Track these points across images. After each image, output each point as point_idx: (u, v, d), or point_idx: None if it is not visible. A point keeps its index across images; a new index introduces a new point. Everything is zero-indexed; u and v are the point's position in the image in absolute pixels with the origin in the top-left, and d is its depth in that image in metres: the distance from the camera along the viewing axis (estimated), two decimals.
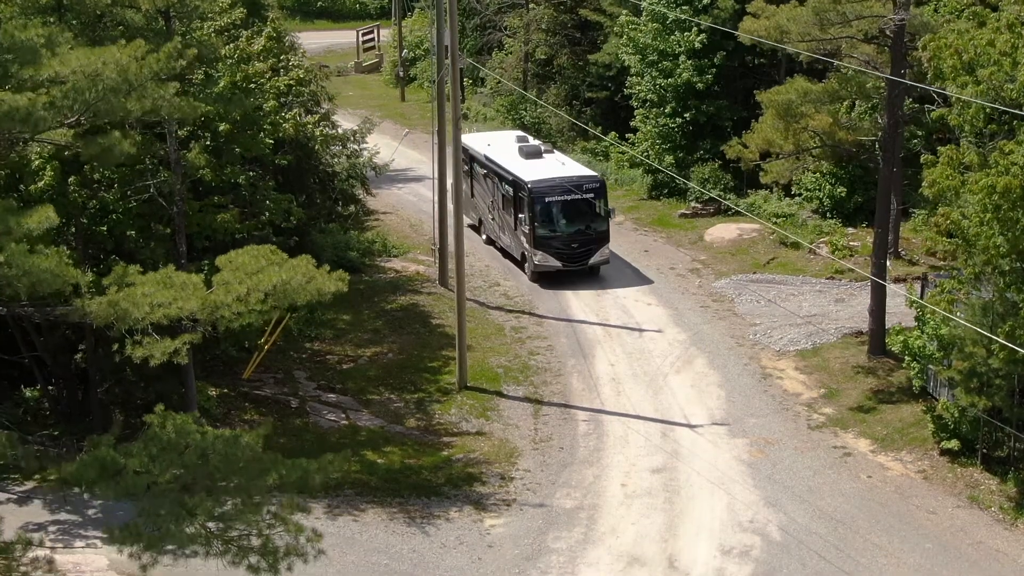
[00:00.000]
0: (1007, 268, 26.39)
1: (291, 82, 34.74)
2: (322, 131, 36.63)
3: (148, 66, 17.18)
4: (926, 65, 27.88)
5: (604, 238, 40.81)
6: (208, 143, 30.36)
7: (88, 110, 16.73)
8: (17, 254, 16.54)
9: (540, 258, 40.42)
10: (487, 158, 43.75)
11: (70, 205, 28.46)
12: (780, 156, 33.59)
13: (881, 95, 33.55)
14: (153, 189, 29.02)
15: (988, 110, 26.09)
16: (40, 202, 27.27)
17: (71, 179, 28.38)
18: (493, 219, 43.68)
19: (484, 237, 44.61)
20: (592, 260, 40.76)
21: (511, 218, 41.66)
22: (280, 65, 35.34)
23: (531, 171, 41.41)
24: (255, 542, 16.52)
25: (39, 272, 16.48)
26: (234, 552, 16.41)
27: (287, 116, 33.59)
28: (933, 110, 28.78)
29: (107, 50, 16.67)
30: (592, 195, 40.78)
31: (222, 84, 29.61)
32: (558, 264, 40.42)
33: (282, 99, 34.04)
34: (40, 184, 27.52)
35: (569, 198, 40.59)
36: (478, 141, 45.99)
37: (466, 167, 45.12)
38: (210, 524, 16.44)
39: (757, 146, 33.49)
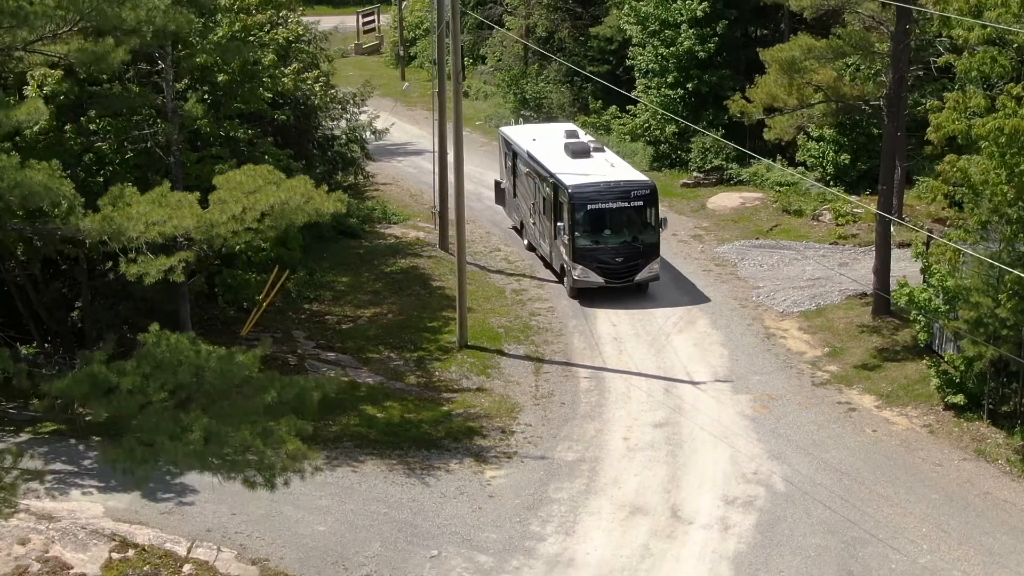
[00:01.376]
0: (1014, 217, 26.05)
1: (291, 36, 34.40)
2: (321, 87, 36.25)
3: None
4: (931, 11, 27.54)
5: (653, 252, 35.97)
6: (206, 95, 30.06)
7: (82, 19, 16.42)
8: (9, 167, 16.22)
9: (580, 272, 35.59)
10: (529, 155, 39.24)
11: (66, 154, 28.14)
12: (784, 111, 33.26)
13: (884, 60, 33.21)
14: (150, 140, 28.73)
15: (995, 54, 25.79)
16: (35, 149, 27.10)
17: (67, 127, 28.07)
18: (534, 224, 39.20)
19: (526, 242, 40.48)
20: (639, 276, 35.90)
21: (551, 225, 37.12)
22: (279, 21, 35.02)
23: (574, 173, 36.74)
24: (251, 458, 16.17)
25: (31, 184, 16.15)
26: (230, 467, 16.06)
27: (286, 71, 33.27)
28: (938, 61, 28.40)
29: None
30: (641, 203, 36.01)
31: (220, 33, 29.32)
32: (600, 280, 35.58)
33: (282, 54, 33.72)
34: (35, 129, 27.17)
35: (615, 206, 35.92)
36: (522, 134, 41.87)
37: (509, 163, 42.16)
38: (205, 440, 16.06)
39: (760, 101, 33.17)
